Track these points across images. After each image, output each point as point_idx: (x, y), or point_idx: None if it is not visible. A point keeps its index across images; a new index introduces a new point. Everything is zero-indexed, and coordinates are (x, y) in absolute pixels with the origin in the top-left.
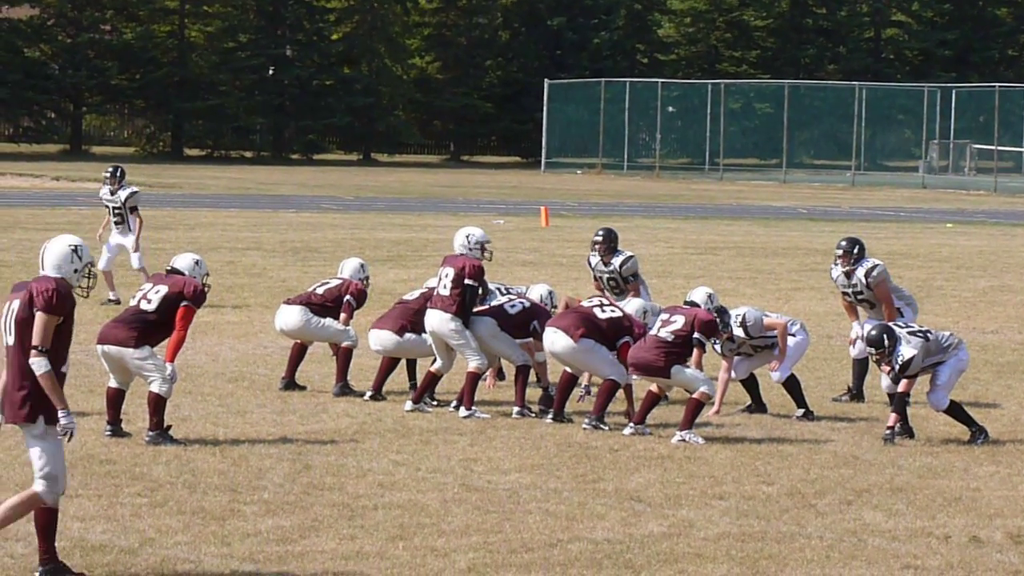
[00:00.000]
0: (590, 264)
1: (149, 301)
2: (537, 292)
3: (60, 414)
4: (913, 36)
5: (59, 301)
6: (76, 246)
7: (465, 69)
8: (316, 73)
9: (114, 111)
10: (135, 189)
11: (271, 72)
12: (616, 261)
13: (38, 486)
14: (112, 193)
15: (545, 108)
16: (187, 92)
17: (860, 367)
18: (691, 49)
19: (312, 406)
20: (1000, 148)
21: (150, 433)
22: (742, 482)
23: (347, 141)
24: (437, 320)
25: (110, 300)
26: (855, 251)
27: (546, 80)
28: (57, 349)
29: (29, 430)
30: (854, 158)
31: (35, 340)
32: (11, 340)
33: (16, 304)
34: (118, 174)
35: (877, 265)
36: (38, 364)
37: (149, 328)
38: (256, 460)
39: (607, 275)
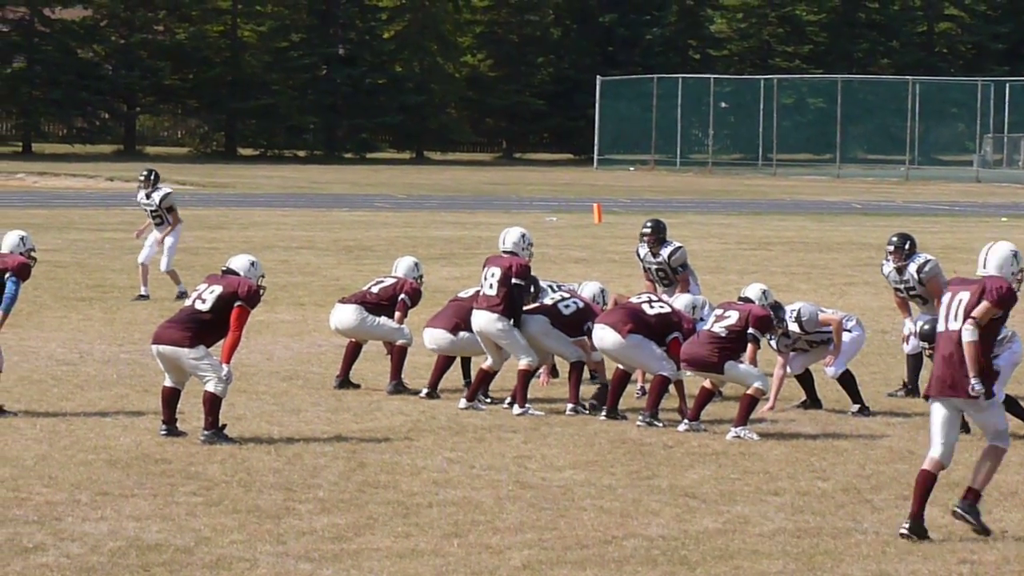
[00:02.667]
0: (639, 255)
1: (203, 301)
2: (589, 290)
3: None
4: (966, 30)
5: None
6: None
7: (517, 66)
8: (368, 72)
9: (167, 111)
10: (169, 190)
11: (323, 71)
12: (665, 252)
13: None
14: (147, 196)
15: (597, 105)
16: (240, 92)
17: (914, 362)
18: (743, 44)
19: (366, 404)
20: None
21: (205, 432)
22: (797, 478)
23: (399, 139)
24: (484, 320)
25: (140, 296)
26: (906, 247)
27: (598, 77)
28: None
29: None
30: (907, 152)
31: None
32: None
33: None
34: (152, 177)
35: (929, 260)
36: None
37: (204, 328)
38: (311, 458)
39: (656, 266)
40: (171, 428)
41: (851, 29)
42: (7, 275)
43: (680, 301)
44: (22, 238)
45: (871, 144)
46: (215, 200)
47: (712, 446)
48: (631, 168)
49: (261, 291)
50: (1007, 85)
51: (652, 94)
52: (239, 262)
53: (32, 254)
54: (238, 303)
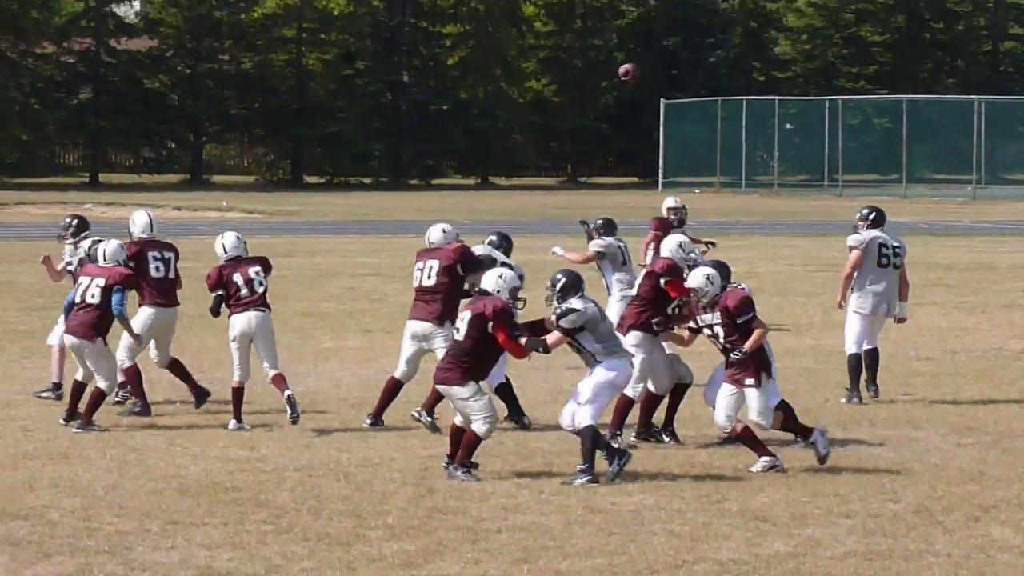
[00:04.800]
0: None
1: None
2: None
3: None
4: None
5: None
6: None
7: (581, 90)
8: (433, 97)
9: (233, 140)
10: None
11: (388, 98)
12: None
13: None
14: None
15: (661, 127)
16: (305, 119)
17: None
18: (808, 66)
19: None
20: None
21: (459, 470)
22: (868, 500)
23: (464, 165)
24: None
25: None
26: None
27: (662, 100)
28: None
29: None
30: (974, 172)
31: None
32: None
33: None
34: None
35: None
36: None
37: (472, 359)
38: (380, 485)
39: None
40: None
41: (916, 49)
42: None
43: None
44: (121, 245)
45: (937, 164)
46: (282, 228)
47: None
48: (696, 191)
49: (515, 305)
50: None
51: (717, 116)
52: (488, 281)
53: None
54: (491, 326)
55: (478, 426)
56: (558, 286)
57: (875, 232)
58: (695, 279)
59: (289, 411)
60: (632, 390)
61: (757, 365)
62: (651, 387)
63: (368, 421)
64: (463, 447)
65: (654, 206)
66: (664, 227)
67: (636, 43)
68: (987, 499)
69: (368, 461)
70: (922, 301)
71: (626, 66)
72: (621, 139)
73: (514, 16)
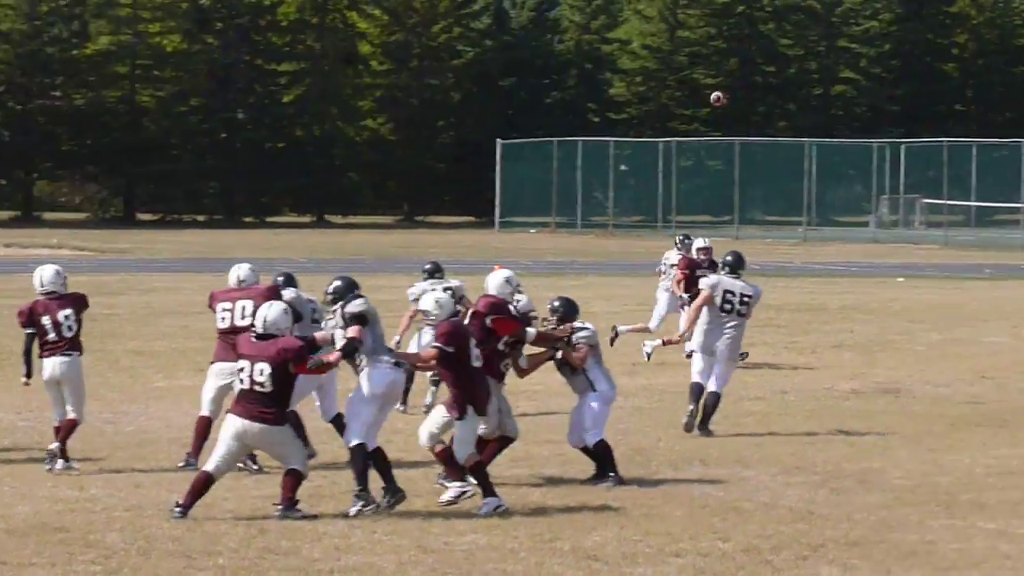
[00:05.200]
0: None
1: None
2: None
3: None
4: (862, 92)
5: None
6: None
7: (418, 130)
8: (268, 136)
9: (65, 177)
10: None
11: (223, 135)
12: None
13: None
14: None
15: (498, 168)
16: (139, 157)
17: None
18: (642, 108)
19: (266, 470)
20: (950, 202)
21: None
22: (698, 539)
23: (300, 203)
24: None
25: None
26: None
27: (499, 140)
28: None
29: None
30: (805, 214)
31: None
32: None
33: None
34: None
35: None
36: None
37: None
38: (211, 525)
39: None
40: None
41: (748, 92)
42: None
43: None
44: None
45: (769, 206)
46: (114, 265)
47: (613, 507)
48: (532, 230)
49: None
50: (902, 147)
51: (552, 157)
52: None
53: None
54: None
55: (296, 464)
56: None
57: (726, 277)
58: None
59: (47, 459)
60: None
61: (465, 397)
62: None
63: (183, 463)
64: (285, 487)
65: (492, 245)
66: (691, 267)
67: (472, 83)
68: (815, 538)
69: (199, 501)
70: (753, 341)
71: (717, 93)
72: (458, 179)
73: (350, 55)
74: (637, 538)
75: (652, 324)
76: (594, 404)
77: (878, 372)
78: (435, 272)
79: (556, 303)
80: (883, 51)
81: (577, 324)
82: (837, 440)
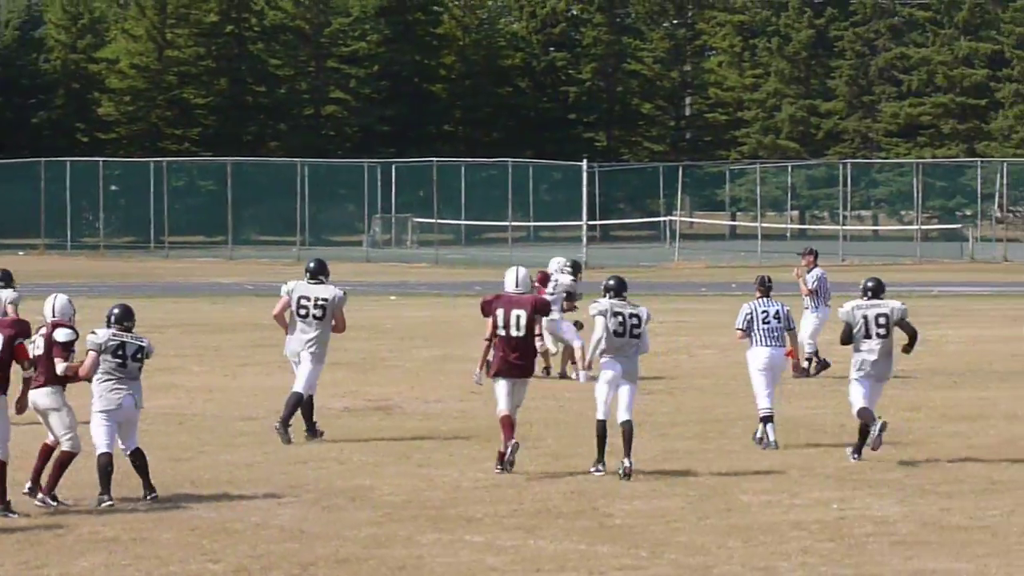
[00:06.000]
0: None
1: None
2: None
3: None
4: (352, 112)
5: None
6: None
7: None
8: None
9: None
10: None
11: None
12: None
13: None
14: None
15: None
16: None
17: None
18: (132, 128)
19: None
20: (440, 221)
21: None
22: (188, 561)
23: None
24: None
25: None
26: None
27: None
28: None
29: None
30: (299, 233)
31: None
32: None
33: None
34: None
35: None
36: None
37: None
38: None
39: None
40: None
41: (240, 112)
42: None
43: None
44: None
45: (264, 226)
46: None
47: (104, 532)
48: (20, 253)
49: None
50: (393, 166)
51: (40, 177)
52: None
53: None
54: None
55: None
56: None
57: (614, 300)
58: None
59: None
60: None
61: None
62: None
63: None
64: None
65: None
66: (543, 281)
67: None
68: (306, 556)
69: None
70: (248, 361)
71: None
72: None
73: None
74: (126, 563)
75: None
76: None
77: (370, 389)
78: None
79: None
80: (372, 72)
81: None
82: (329, 459)
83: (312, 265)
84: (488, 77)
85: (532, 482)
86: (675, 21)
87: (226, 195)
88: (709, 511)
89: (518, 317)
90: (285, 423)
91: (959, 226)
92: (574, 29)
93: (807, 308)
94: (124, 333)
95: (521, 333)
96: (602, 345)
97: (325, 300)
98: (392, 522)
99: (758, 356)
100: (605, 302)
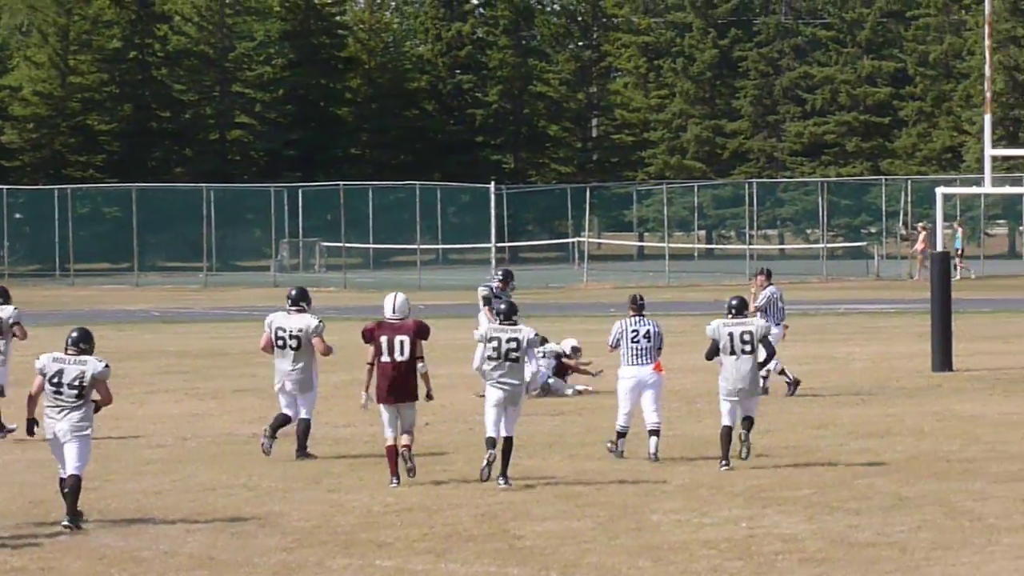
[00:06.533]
0: None
1: None
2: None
3: None
4: (258, 137)
5: None
6: None
7: None
8: None
9: None
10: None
11: None
12: None
13: None
14: None
15: None
16: None
17: None
18: (36, 155)
19: None
20: (348, 245)
21: None
22: None
23: None
24: None
25: None
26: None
27: None
28: None
29: None
30: (206, 259)
31: None
32: None
33: None
34: None
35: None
36: None
37: None
38: None
39: None
40: None
41: (145, 138)
42: None
43: None
44: None
45: (170, 252)
46: None
47: (11, 562)
48: None
49: None
50: (300, 190)
51: None
52: None
53: None
54: None
55: None
56: None
57: (497, 325)
58: None
59: None
60: None
61: None
62: None
63: None
64: None
65: None
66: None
67: None
68: None
69: None
70: (154, 389)
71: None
72: None
73: None
74: None
75: None
76: None
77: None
78: None
79: None
80: (278, 96)
81: None
82: (238, 485)
83: (293, 293)
84: (394, 100)
85: (443, 505)
86: (580, 43)
87: (131, 221)
88: (619, 531)
89: (401, 343)
90: (303, 449)
91: (864, 244)
92: (480, 52)
93: None
94: (71, 357)
95: (405, 358)
96: (485, 367)
97: (300, 331)
98: (302, 548)
99: (623, 374)
100: (485, 328)
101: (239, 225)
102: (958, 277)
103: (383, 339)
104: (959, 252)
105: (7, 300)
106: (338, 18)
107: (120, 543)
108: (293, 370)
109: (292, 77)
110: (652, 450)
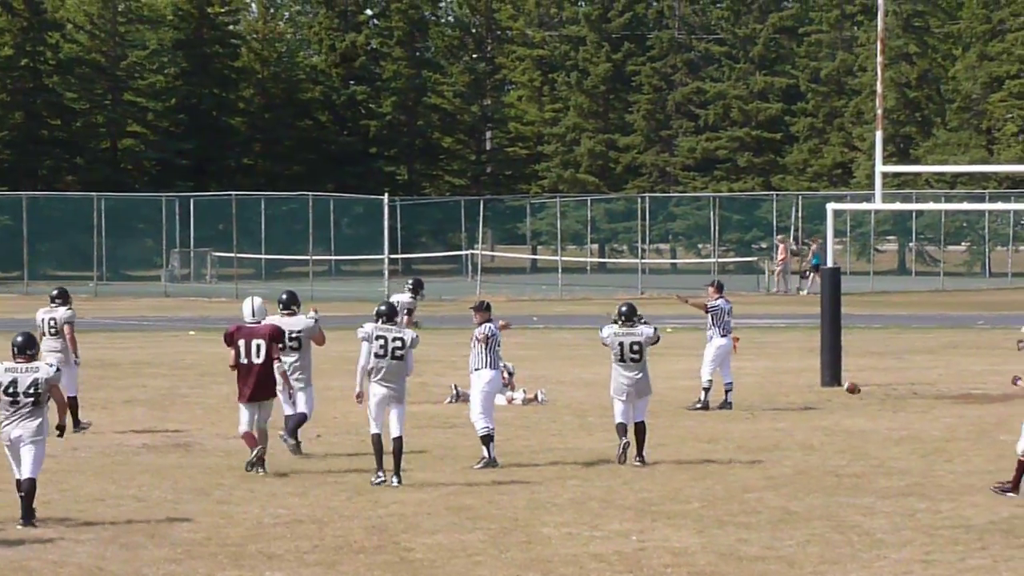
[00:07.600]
0: None
1: None
2: None
3: None
4: (150, 146)
5: None
6: None
7: None
8: None
9: None
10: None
11: None
12: None
13: None
14: None
15: None
16: None
17: None
18: None
19: None
20: (239, 255)
21: None
22: None
23: None
24: None
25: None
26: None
27: None
28: None
29: None
30: (96, 269)
31: None
32: None
33: None
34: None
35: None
36: None
37: None
38: None
39: None
40: None
41: (35, 146)
42: None
43: None
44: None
45: (60, 261)
46: None
47: None
48: None
49: None
50: (192, 200)
51: None
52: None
53: None
54: None
55: None
56: None
57: (380, 325)
58: None
59: None
60: None
61: None
62: None
63: None
64: None
65: None
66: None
67: None
68: None
69: None
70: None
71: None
72: None
73: None
74: None
75: None
76: None
77: (169, 426)
78: None
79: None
80: (170, 105)
81: None
82: (128, 496)
83: (284, 297)
84: (288, 110)
85: (333, 517)
86: (475, 55)
87: (21, 230)
88: (510, 544)
89: (258, 346)
90: (294, 440)
91: (755, 259)
92: (374, 63)
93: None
94: (21, 365)
95: (260, 360)
96: (369, 365)
97: (299, 332)
98: (191, 559)
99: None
100: (369, 327)
101: (130, 234)
102: (804, 292)
103: (241, 343)
104: (816, 268)
105: (65, 301)
106: (231, 28)
107: (9, 552)
108: (293, 370)
109: (184, 86)
110: (491, 454)
